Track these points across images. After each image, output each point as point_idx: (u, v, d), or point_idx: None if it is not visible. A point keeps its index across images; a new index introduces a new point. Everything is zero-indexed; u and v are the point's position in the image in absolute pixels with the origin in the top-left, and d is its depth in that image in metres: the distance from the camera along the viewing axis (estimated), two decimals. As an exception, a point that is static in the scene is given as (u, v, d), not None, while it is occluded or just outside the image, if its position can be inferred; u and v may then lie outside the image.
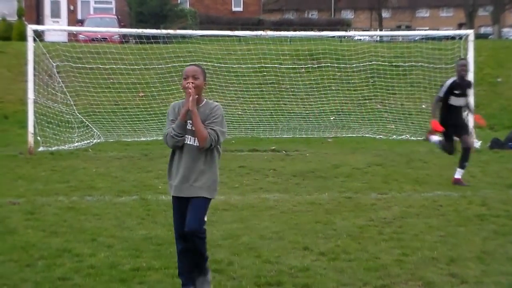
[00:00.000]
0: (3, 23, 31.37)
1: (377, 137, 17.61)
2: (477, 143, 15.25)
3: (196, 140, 4.97)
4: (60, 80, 17.43)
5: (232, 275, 5.70)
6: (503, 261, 6.19)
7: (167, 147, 5.16)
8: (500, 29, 46.86)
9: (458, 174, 10.47)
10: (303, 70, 22.65)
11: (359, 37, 29.62)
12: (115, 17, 34.20)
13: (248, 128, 18.45)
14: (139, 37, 19.46)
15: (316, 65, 22.71)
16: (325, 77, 21.58)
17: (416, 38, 24.98)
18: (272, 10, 60.90)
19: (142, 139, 16.83)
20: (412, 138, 17.20)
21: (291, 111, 20.54)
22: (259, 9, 46.27)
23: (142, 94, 20.60)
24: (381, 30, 51.06)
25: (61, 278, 5.57)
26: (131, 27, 28.76)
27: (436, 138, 10.99)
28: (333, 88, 21.18)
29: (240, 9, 44.45)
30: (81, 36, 24.63)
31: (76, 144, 15.51)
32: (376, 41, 30.70)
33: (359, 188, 10.10)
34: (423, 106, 20.07)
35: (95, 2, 39.51)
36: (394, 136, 17.53)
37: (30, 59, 14.75)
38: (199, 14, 38.08)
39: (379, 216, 8.12)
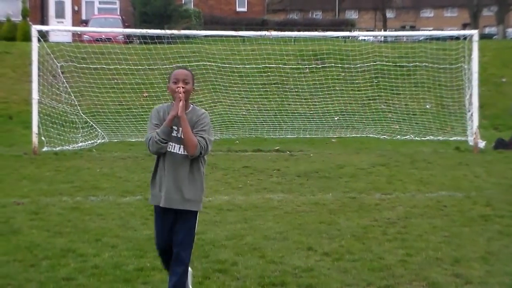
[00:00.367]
0: (7, 23, 31.38)
1: (381, 137, 17.60)
2: (481, 144, 15.25)
3: (181, 148, 4.70)
4: (64, 80, 17.48)
5: (236, 275, 5.70)
6: (508, 261, 6.17)
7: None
8: (504, 29, 46.68)
9: None
10: (307, 70, 22.64)
11: (363, 38, 29.58)
12: (119, 17, 34.24)
13: (252, 128, 18.46)
14: (143, 37, 19.49)
15: (320, 65, 22.69)
16: (329, 77, 21.56)
17: (421, 38, 25.01)
18: (276, 11, 60.80)
19: (146, 139, 16.81)
20: (416, 138, 17.19)
21: (295, 111, 20.53)
22: (263, 9, 46.21)
23: (146, 95, 20.61)
24: (385, 30, 50.97)
25: (66, 278, 5.58)
26: (135, 28, 28.72)
27: None
28: (337, 88, 21.16)
29: (244, 9, 44.39)
30: (85, 37, 24.73)
31: (80, 144, 15.54)
32: (380, 41, 30.70)
33: (363, 189, 10.10)
34: (427, 106, 20.06)
35: (100, 3, 39.52)
36: (398, 136, 17.52)
37: (34, 60, 14.77)
38: (203, 14, 38.04)
39: (383, 216, 8.12)
